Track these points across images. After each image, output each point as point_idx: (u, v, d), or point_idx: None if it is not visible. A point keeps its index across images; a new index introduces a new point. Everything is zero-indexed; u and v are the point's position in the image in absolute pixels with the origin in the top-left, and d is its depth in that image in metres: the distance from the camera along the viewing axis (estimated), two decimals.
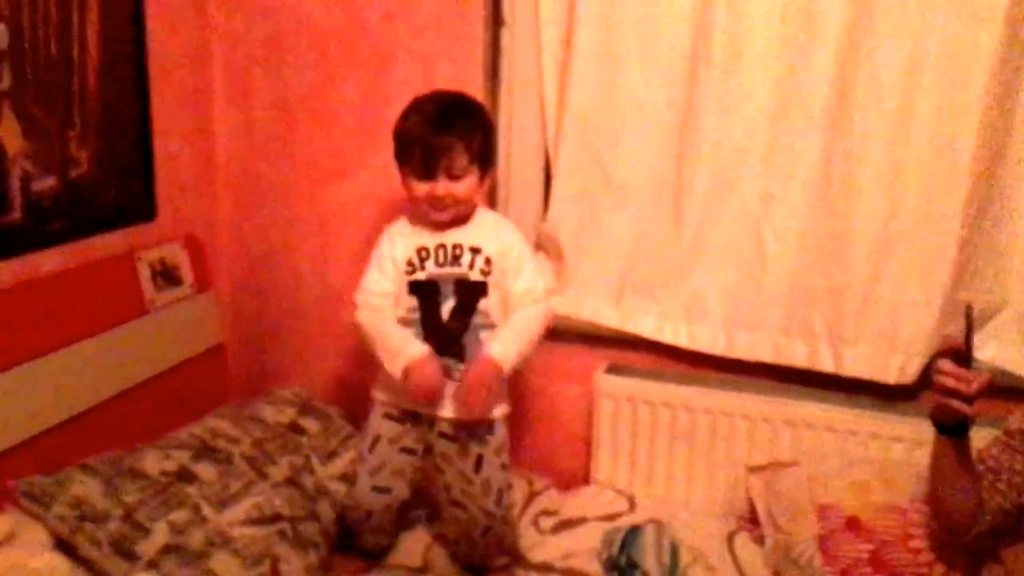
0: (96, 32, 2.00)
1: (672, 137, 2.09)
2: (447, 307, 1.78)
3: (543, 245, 2.23)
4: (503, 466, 1.84)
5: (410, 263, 1.80)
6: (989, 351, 1.93)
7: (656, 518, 1.98)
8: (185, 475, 1.78)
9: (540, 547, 1.97)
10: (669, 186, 2.12)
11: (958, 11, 1.80)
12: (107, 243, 2.10)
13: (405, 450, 1.86)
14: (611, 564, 1.89)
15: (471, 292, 1.78)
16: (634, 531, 1.93)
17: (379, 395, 1.87)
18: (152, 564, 1.61)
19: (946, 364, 1.50)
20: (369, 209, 2.36)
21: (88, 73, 1.99)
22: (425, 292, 1.79)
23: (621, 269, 2.18)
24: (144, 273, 2.15)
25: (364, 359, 2.30)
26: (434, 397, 1.75)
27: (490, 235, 1.81)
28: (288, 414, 2.11)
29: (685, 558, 1.86)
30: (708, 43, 1.98)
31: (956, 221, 1.88)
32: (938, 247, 1.90)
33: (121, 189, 2.13)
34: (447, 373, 1.77)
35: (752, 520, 2.01)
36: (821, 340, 2.03)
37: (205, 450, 1.87)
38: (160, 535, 1.65)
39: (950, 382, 1.49)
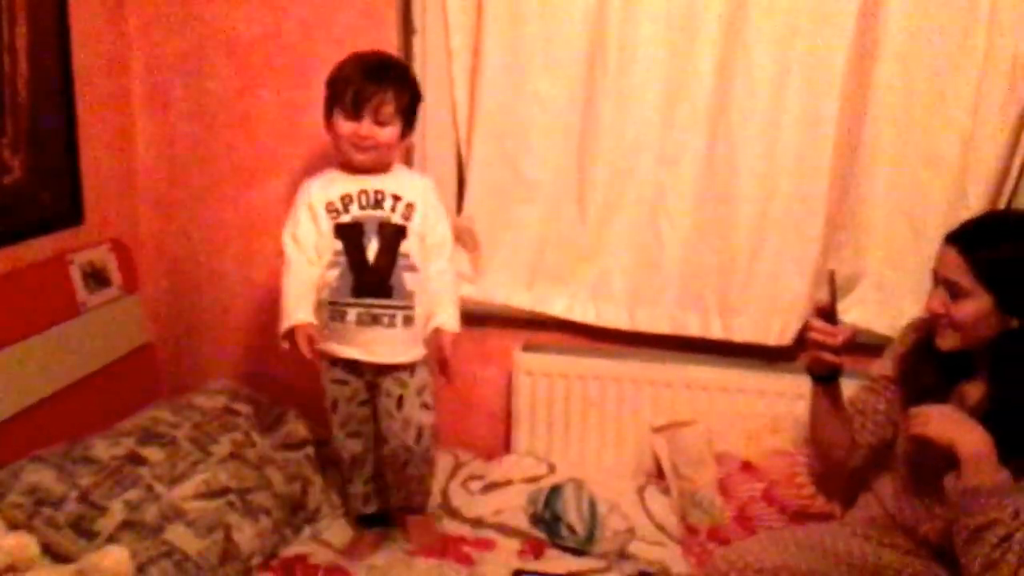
0: (24, 45, 2.06)
1: (574, 135, 2.29)
2: (372, 249, 1.89)
3: (460, 237, 2.39)
4: (423, 405, 1.99)
5: (332, 208, 1.91)
6: (853, 314, 2.20)
7: (575, 477, 2.16)
8: (135, 458, 1.87)
9: (471, 505, 2.14)
10: (573, 179, 2.32)
11: (818, 17, 2.07)
12: (39, 247, 2.16)
13: (361, 403, 2.00)
14: (537, 519, 2.07)
15: (393, 234, 1.91)
16: (556, 489, 2.11)
17: (326, 347, 1.94)
18: (112, 539, 1.69)
19: (816, 322, 1.75)
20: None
21: (18, 83, 2.06)
22: (351, 234, 1.90)
23: (532, 256, 2.37)
24: (76, 275, 2.22)
25: (287, 356, 2.42)
26: (307, 356, 1.86)
27: (409, 185, 1.96)
28: (220, 400, 2.20)
29: (602, 509, 2.05)
30: (603, 48, 2.19)
31: (822, 202, 2.15)
32: (807, 225, 2.17)
33: (51, 194, 2.20)
34: (375, 319, 1.89)
35: (659, 475, 2.22)
36: (711, 311, 2.27)
37: (150, 435, 1.95)
38: (117, 513, 1.74)
39: (820, 336, 1.73)
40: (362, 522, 2.08)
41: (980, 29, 2.03)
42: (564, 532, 2.01)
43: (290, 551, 1.96)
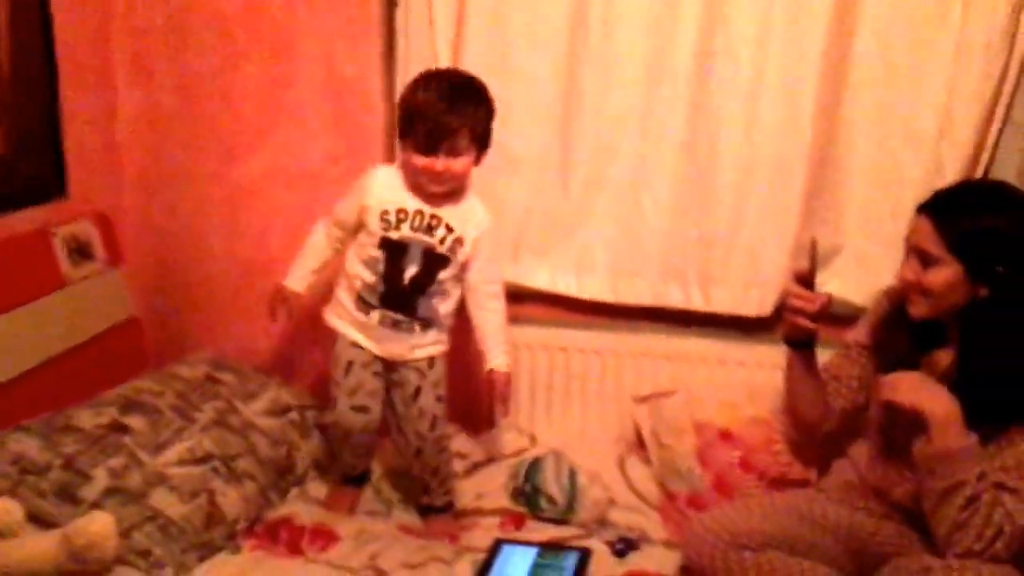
0: (6, 16, 2.05)
1: (557, 109, 2.30)
2: (410, 271, 1.88)
3: None
4: (438, 398, 1.99)
5: (386, 218, 1.88)
6: (832, 286, 2.21)
7: (555, 449, 2.19)
8: (118, 427, 1.88)
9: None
10: (556, 154, 2.34)
11: None
12: (22, 220, 2.15)
13: (376, 374, 1.99)
14: (518, 493, 2.10)
15: (435, 263, 1.89)
16: (536, 461, 2.14)
17: (341, 326, 1.98)
18: (96, 505, 1.71)
19: (794, 287, 1.78)
20: (275, 184, 2.48)
21: (0, 55, 2.06)
22: (394, 251, 1.88)
23: (516, 231, 2.39)
24: (59, 248, 2.22)
25: (272, 328, 2.44)
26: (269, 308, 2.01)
27: (469, 220, 1.91)
28: (202, 370, 2.22)
29: (582, 479, 2.08)
30: (585, 23, 2.20)
31: (801, 176, 2.18)
32: (787, 198, 2.19)
33: (34, 167, 2.20)
34: (396, 325, 1.92)
35: (639, 445, 2.25)
36: (692, 283, 2.30)
37: (132, 405, 1.96)
38: (101, 480, 1.76)
39: (797, 302, 1.76)
40: (345, 480, 2.11)
41: (956, 4, 2.05)
42: (544, 504, 2.04)
43: (275, 513, 1.99)
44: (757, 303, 2.25)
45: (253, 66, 2.41)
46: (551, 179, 2.35)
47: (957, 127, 2.10)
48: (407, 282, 1.90)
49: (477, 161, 1.89)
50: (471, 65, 2.27)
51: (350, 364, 1.98)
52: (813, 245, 1.79)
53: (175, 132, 2.50)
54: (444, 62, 2.35)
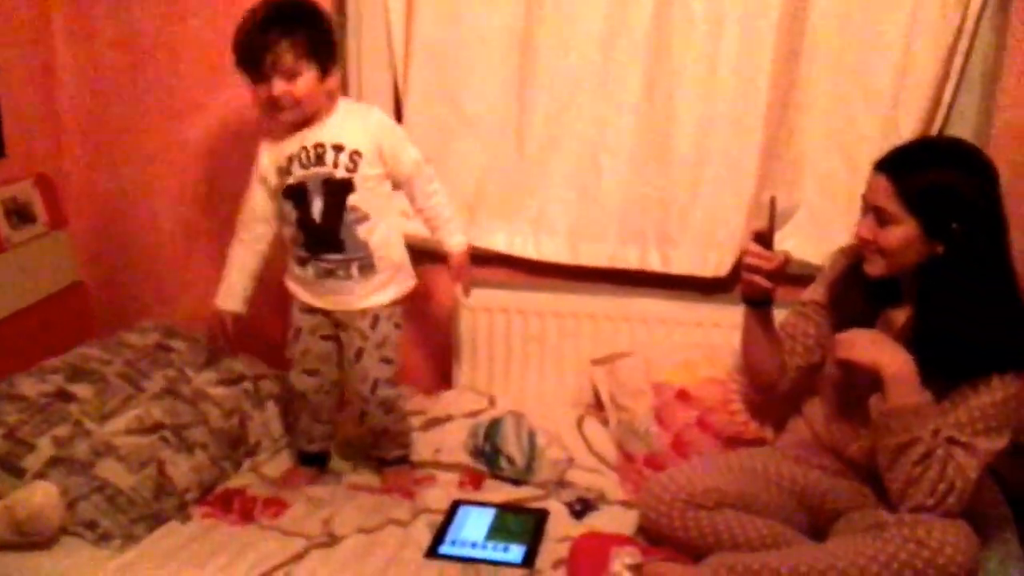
0: None
1: (514, 68, 2.26)
2: (317, 207, 1.83)
3: None
4: (383, 360, 1.94)
5: (280, 171, 1.85)
6: (789, 245, 2.21)
7: (515, 410, 2.17)
8: (63, 395, 1.83)
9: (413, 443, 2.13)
10: (513, 113, 2.29)
11: None
12: None
13: (325, 337, 1.96)
14: (478, 452, 2.08)
15: (338, 190, 1.83)
16: (496, 422, 2.12)
17: (291, 288, 1.96)
18: (40, 475, 1.66)
19: (752, 246, 1.76)
20: (224, 144, 2.41)
21: None
22: (296, 195, 1.84)
23: (473, 192, 2.35)
24: None
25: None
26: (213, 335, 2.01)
27: (351, 128, 1.84)
28: (153, 337, 2.17)
29: (541, 440, 2.07)
30: None
31: (758, 134, 2.16)
32: (744, 157, 2.18)
33: None
34: (330, 273, 1.88)
35: (598, 406, 2.25)
36: (650, 244, 2.29)
37: (79, 372, 1.91)
38: (45, 449, 1.71)
39: (754, 260, 1.75)
40: (302, 458, 2.07)
41: None
42: (503, 464, 2.03)
43: (228, 484, 1.95)
44: (715, 264, 2.24)
45: (198, 20, 2.33)
46: (507, 140, 2.32)
47: (913, 84, 2.10)
48: (318, 219, 1.85)
49: (324, 78, 1.81)
50: (424, 19, 2.23)
51: (299, 331, 1.97)
52: (772, 204, 1.78)
53: (118, 90, 2.42)
54: (396, 18, 2.31)
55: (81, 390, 1.86)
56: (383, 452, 2.05)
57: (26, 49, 2.29)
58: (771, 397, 1.92)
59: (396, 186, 1.93)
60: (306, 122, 1.84)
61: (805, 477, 1.78)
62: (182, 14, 2.33)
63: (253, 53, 1.76)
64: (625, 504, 1.91)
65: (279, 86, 1.76)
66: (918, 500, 1.55)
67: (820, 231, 2.24)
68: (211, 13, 2.31)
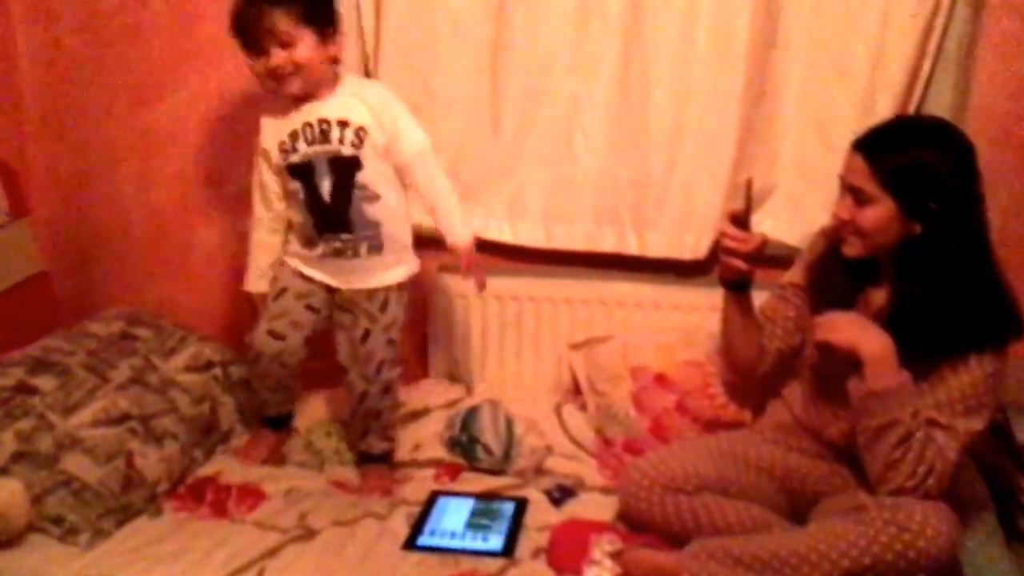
0: None
1: (486, 49, 2.22)
2: (325, 187, 1.80)
3: None
4: (389, 341, 1.92)
5: (284, 148, 1.80)
6: (766, 226, 2.20)
7: (491, 398, 2.15)
8: (25, 388, 1.77)
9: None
10: (486, 95, 2.25)
11: None
12: None
13: (310, 308, 1.92)
14: (454, 443, 2.05)
15: (345, 168, 1.79)
16: (472, 411, 2.09)
17: (291, 260, 1.92)
18: (3, 471, 1.62)
19: (728, 228, 1.74)
20: (190, 128, 2.36)
21: None
22: (302, 173, 1.80)
23: (446, 175, 2.30)
24: None
25: (192, 280, 2.33)
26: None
27: (358, 102, 1.80)
28: (117, 326, 2.11)
29: (519, 428, 2.05)
30: None
31: (734, 114, 2.13)
32: (720, 137, 2.15)
33: None
34: (339, 253, 1.84)
35: (576, 391, 2.22)
36: (627, 227, 2.26)
37: (41, 364, 1.86)
38: (7, 444, 1.66)
39: (731, 243, 1.73)
40: (264, 422, 2.03)
41: None
42: (481, 454, 2.00)
43: (200, 472, 1.91)
44: (692, 246, 2.22)
45: (161, 2, 2.27)
46: (481, 121, 2.28)
47: (889, 62, 2.07)
48: (328, 198, 1.81)
49: (325, 44, 1.77)
50: (395, 4, 2.18)
51: (283, 291, 1.93)
52: (748, 185, 1.76)
53: (80, 73, 2.37)
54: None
55: (44, 382, 1.80)
56: (369, 445, 2.00)
57: None
58: (750, 380, 1.90)
59: (398, 170, 1.88)
60: (308, 96, 1.79)
61: (784, 460, 1.77)
62: None
63: (247, 23, 1.71)
64: (604, 490, 1.90)
65: (277, 55, 1.72)
66: (898, 483, 1.54)
67: (797, 212, 2.22)
68: None
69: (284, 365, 1.95)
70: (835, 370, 1.67)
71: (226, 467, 1.94)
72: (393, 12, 2.19)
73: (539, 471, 1.99)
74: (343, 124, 1.79)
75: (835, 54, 2.11)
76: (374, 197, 1.82)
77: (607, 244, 2.28)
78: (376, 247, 1.86)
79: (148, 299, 2.42)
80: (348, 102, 1.80)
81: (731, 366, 1.93)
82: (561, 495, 1.88)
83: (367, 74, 2.31)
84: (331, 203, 1.81)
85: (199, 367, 2.08)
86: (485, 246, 2.34)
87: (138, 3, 2.28)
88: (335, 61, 1.82)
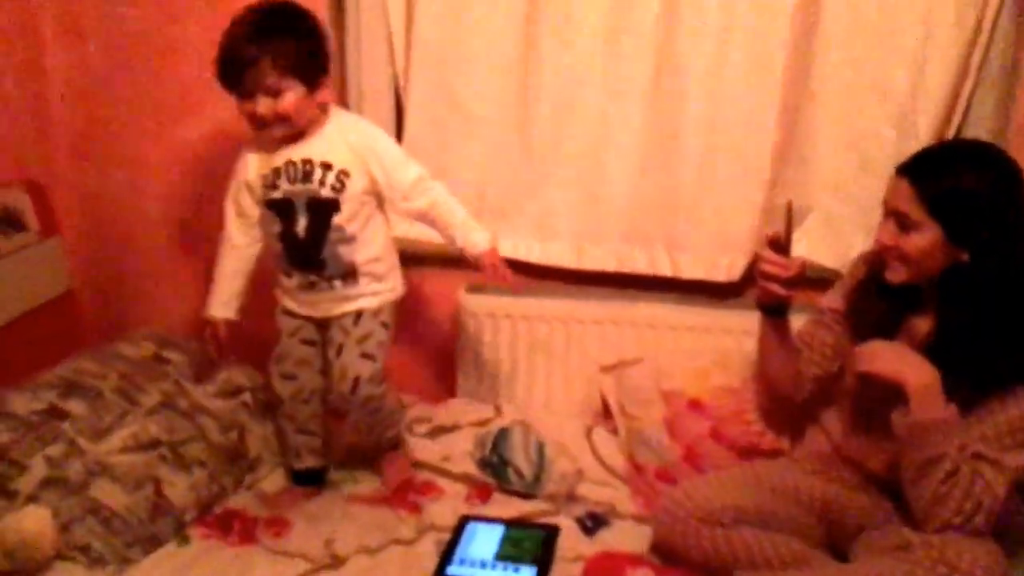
0: None
1: (516, 65, 2.19)
2: (301, 224, 1.78)
3: None
4: (363, 355, 1.85)
5: (265, 183, 1.79)
6: (801, 248, 2.16)
7: (522, 420, 2.12)
8: (56, 412, 1.76)
9: (418, 449, 2.09)
10: (515, 112, 2.23)
11: None
12: None
13: (305, 341, 1.91)
14: (484, 463, 2.02)
15: (323, 210, 1.77)
16: (503, 432, 2.06)
17: (277, 294, 1.92)
18: (32, 498, 1.60)
19: (768, 253, 1.70)
20: (219, 146, 2.33)
21: None
22: (281, 209, 1.79)
23: (475, 194, 2.28)
24: None
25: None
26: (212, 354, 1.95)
27: (341, 146, 1.77)
28: (148, 348, 2.10)
29: (550, 452, 2.01)
30: None
31: (769, 135, 2.10)
32: (755, 157, 2.11)
33: None
34: (312, 286, 1.83)
35: (606, 415, 2.18)
36: (659, 247, 2.22)
37: (72, 387, 1.85)
38: (38, 470, 1.65)
39: (770, 268, 1.69)
40: (295, 478, 1.99)
41: None
42: (511, 476, 1.97)
43: (227, 504, 1.89)
44: (726, 268, 2.18)
45: (190, 20, 2.26)
46: (510, 141, 2.25)
47: (929, 82, 2.03)
48: (302, 237, 1.79)
49: (313, 92, 1.73)
50: (424, 17, 2.16)
51: (279, 333, 1.93)
52: (788, 208, 1.72)
53: (109, 92, 2.35)
54: (396, 16, 2.24)
55: (75, 406, 1.79)
56: (375, 443, 1.99)
57: (15, 51, 2.22)
58: (788, 407, 1.86)
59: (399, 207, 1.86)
60: (296, 136, 1.77)
61: (824, 491, 1.72)
62: (174, 15, 2.26)
63: (234, 70, 1.68)
64: (637, 519, 1.85)
65: (263, 104, 1.69)
66: (944, 518, 1.49)
67: (833, 233, 2.18)
68: (203, 13, 2.24)
69: (307, 403, 1.94)
70: (876, 399, 1.63)
71: (253, 503, 1.91)
72: (423, 32, 2.18)
73: (570, 497, 1.95)
74: (326, 166, 1.76)
75: (874, 73, 2.07)
76: (350, 239, 1.80)
77: (638, 265, 2.25)
78: (351, 280, 1.84)
79: (174, 317, 2.40)
80: (333, 143, 1.77)
81: (769, 393, 1.89)
82: (593, 523, 1.84)
83: (397, 93, 2.30)
84: (304, 240, 1.79)
85: (229, 392, 2.06)
86: (514, 266, 2.30)
87: (167, 21, 2.27)
88: (323, 107, 1.79)
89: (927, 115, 2.04)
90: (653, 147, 2.18)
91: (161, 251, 2.45)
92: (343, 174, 1.76)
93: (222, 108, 2.26)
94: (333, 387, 1.90)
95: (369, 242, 1.84)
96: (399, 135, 2.30)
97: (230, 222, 1.89)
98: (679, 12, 2.06)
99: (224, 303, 1.92)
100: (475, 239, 1.87)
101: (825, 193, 2.19)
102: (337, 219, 1.78)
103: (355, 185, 1.77)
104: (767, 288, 1.70)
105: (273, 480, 2.02)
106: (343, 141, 1.78)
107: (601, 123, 2.19)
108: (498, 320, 2.27)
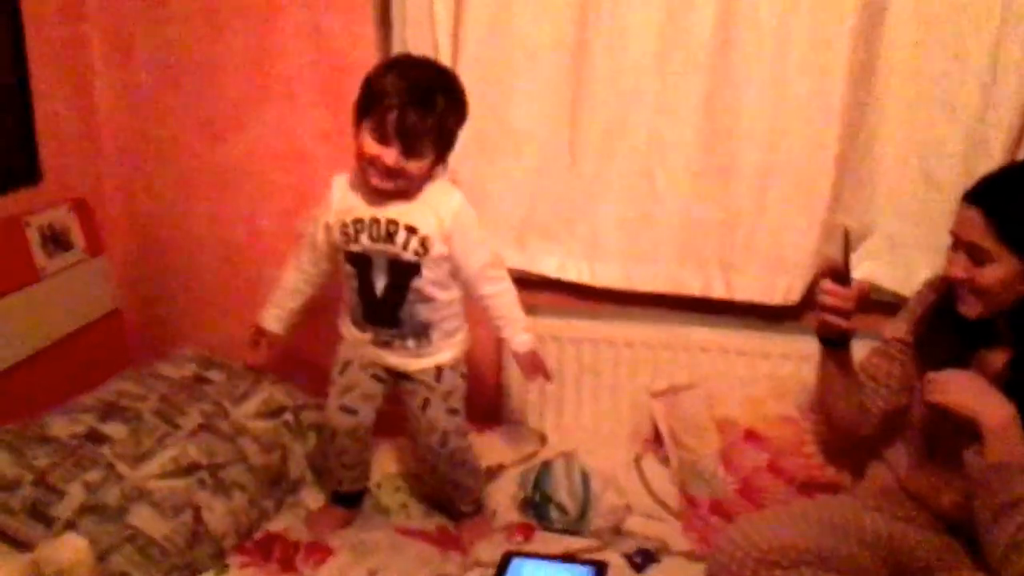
0: None
1: (564, 81, 2.13)
2: (380, 283, 1.75)
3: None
4: (450, 410, 1.84)
5: (345, 231, 1.74)
6: (864, 270, 2.07)
7: (566, 450, 2.04)
8: (95, 436, 1.74)
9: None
10: (564, 129, 2.17)
11: None
12: None
13: (376, 377, 1.87)
14: (527, 504, 1.96)
15: (404, 272, 1.74)
16: (545, 467, 1.99)
17: (344, 332, 1.88)
18: (70, 525, 1.58)
19: (827, 284, 1.61)
20: (264, 164, 2.33)
21: None
22: (359, 263, 1.75)
23: (522, 212, 2.23)
24: (33, 239, 2.08)
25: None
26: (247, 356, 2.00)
27: (430, 212, 1.72)
28: (190, 368, 2.08)
29: (596, 484, 1.93)
30: None
31: (830, 152, 2.01)
32: (815, 175, 2.02)
33: (1, 152, 2.04)
34: (386, 344, 1.80)
35: (657, 442, 2.11)
36: (713, 268, 2.14)
37: (112, 410, 1.83)
38: (75, 496, 1.62)
39: (831, 300, 1.60)
40: (334, 498, 1.96)
41: None
42: (554, 514, 1.90)
43: (267, 528, 1.86)
44: (783, 291, 2.09)
45: (237, 38, 2.25)
46: (559, 157, 2.19)
47: (1001, 98, 1.92)
48: (380, 295, 1.76)
49: (434, 165, 1.71)
50: (471, 33, 2.12)
51: (348, 363, 1.88)
52: (845, 235, 1.63)
53: (156, 110, 2.35)
54: (442, 31, 2.19)
55: (114, 430, 1.77)
56: (456, 507, 1.94)
57: (64, 68, 2.22)
58: (851, 442, 1.76)
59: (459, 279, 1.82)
60: (389, 195, 1.72)
61: (889, 530, 1.62)
62: (219, 32, 2.25)
63: (400, 119, 1.61)
64: (689, 556, 1.78)
65: (395, 158, 1.64)
66: (1022, 567, 1.39)
67: (897, 254, 2.09)
68: (248, 31, 2.23)
69: (358, 440, 1.90)
70: (947, 431, 1.53)
71: (294, 524, 1.88)
72: (469, 48, 2.13)
73: (618, 532, 1.88)
74: (411, 230, 1.71)
75: (941, 87, 1.97)
76: (427, 299, 1.77)
77: (691, 286, 2.17)
78: (424, 338, 1.81)
79: (220, 337, 2.38)
80: (423, 210, 1.73)
81: (831, 426, 1.80)
82: (643, 560, 1.77)
83: None
84: (382, 299, 1.76)
85: (270, 412, 2.03)
86: (561, 287, 2.26)
87: (214, 38, 2.26)
88: (432, 177, 1.76)
89: (998, 129, 1.93)
90: (707, 164, 2.10)
91: (207, 269, 2.43)
92: (427, 240, 1.72)
93: (268, 125, 2.28)
94: (419, 440, 1.88)
95: (445, 302, 1.80)
96: None
97: (305, 246, 1.87)
98: (734, 26, 1.99)
99: (276, 316, 1.94)
100: (521, 339, 1.86)
101: (888, 212, 2.09)
102: (417, 282, 1.74)
103: (436, 251, 1.74)
104: (828, 320, 1.61)
105: (316, 501, 1.99)
106: (434, 211, 1.73)
107: (652, 139, 2.12)
108: (545, 343, 2.18)
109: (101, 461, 1.70)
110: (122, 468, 1.70)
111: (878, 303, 1.99)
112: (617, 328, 2.18)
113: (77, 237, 2.22)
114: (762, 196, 2.07)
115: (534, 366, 1.88)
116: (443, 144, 1.70)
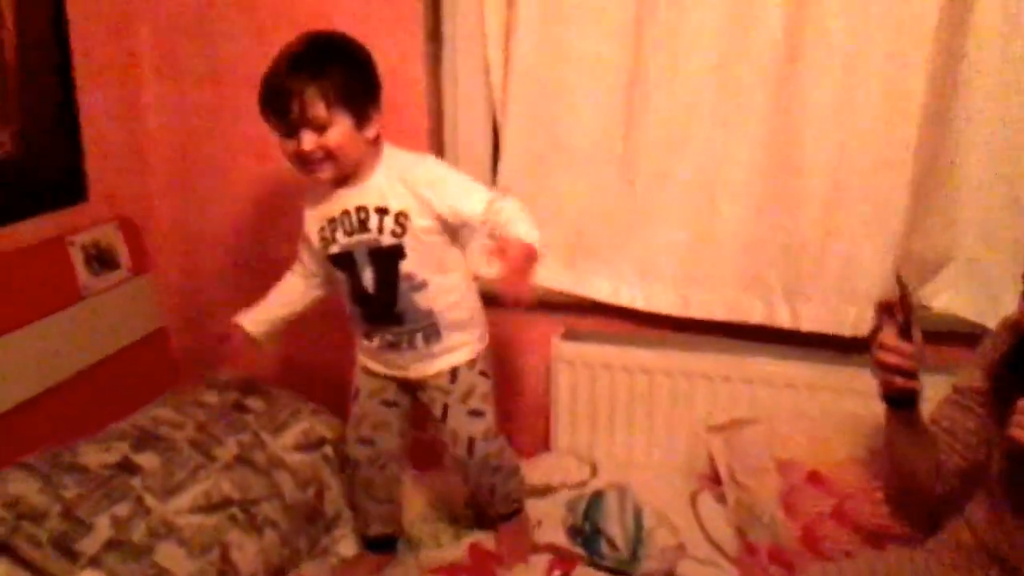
0: (12, 4, 1.88)
1: (620, 97, 2.05)
2: (368, 278, 1.67)
3: None
4: (472, 413, 1.76)
5: (323, 236, 1.69)
6: (942, 300, 1.93)
7: (618, 482, 1.95)
8: (127, 466, 1.71)
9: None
10: (619, 146, 2.08)
11: None
12: (37, 227, 2.01)
13: (386, 403, 1.81)
14: (576, 532, 1.87)
15: (387, 259, 1.65)
16: (596, 496, 1.90)
17: (360, 357, 1.84)
18: (94, 561, 1.54)
19: (888, 339, 1.46)
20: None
21: (5, 48, 1.88)
22: (344, 264, 1.69)
23: (574, 232, 2.15)
24: (77, 257, 2.07)
25: (312, 338, 2.25)
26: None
27: (396, 186, 1.62)
28: (231, 395, 2.04)
29: (649, 521, 1.83)
30: None
31: (906, 173, 1.86)
32: (889, 198, 1.88)
33: (48, 170, 2.05)
34: (393, 345, 1.73)
35: (714, 479, 1.99)
36: (777, 296, 2.01)
37: (147, 439, 1.79)
38: (102, 530, 1.58)
39: (892, 359, 1.45)
40: (367, 544, 1.89)
41: None
42: (604, 548, 1.80)
43: (300, 572, 1.80)
44: (853, 321, 1.94)
45: None
46: (613, 175, 2.09)
47: None
48: (372, 291, 1.68)
49: (361, 127, 1.59)
50: (523, 46, 2.05)
51: (356, 392, 1.83)
52: (900, 283, 1.46)
53: (205, 127, 2.33)
54: (495, 45, 2.12)
55: (147, 460, 1.73)
56: (495, 511, 1.88)
57: (111, 85, 2.22)
58: (926, 504, 1.61)
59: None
60: (346, 179, 1.64)
61: None
62: (267, 47, 2.17)
63: (278, 100, 1.57)
64: None
65: (308, 139, 1.57)
66: None
67: (978, 283, 1.92)
68: None
69: (383, 468, 1.84)
70: None
71: (324, 570, 1.82)
72: (522, 61, 2.06)
73: (670, 575, 1.76)
74: (382, 211, 1.62)
75: None
76: (422, 285, 1.67)
77: (753, 315, 2.04)
78: (434, 334, 1.72)
79: (265, 358, 2.33)
80: (388, 184, 1.63)
81: (901, 489, 1.65)
82: None
83: (495, 127, 2.18)
84: (376, 295, 1.68)
85: (309, 445, 1.97)
86: (614, 311, 2.16)
87: (262, 58, 2.18)
88: (374, 143, 1.65)
89: None
90: (771, 184, 1.98)
91: (253, 288, 2.38)
92: (402, 216, 1.63)
93: None
94: (447, 451, 1.81)
95: (445, 285, 1.71)
96: (494, 169, 2.19)
97: (297, 262, 1.85)
98: (802, 36, 1.86)
99: (255, 319, 1.85)
100: (520, 231, 1.57)
101: (969, 237, 1.94)
102: (404, 266, 1.65)
103: (417, 227, 1.63)
104: (891, 380, 1.47)
105: (351, 543, 1.92)
106: (398, 180, 1.63)
107: (712, 157, 2.01)
108: (595, 370, 2.11)
109: (131, 494, 1.65)
110: (151, 501, 1.66)
111: (958, 334, 1.84)
112: (672, 356, 2.07)
113: (123, 255, 2.21)
114: (831, 219, 1.94)
115: (520, 257, 1.51)
116: (351, 99, 1.57)
